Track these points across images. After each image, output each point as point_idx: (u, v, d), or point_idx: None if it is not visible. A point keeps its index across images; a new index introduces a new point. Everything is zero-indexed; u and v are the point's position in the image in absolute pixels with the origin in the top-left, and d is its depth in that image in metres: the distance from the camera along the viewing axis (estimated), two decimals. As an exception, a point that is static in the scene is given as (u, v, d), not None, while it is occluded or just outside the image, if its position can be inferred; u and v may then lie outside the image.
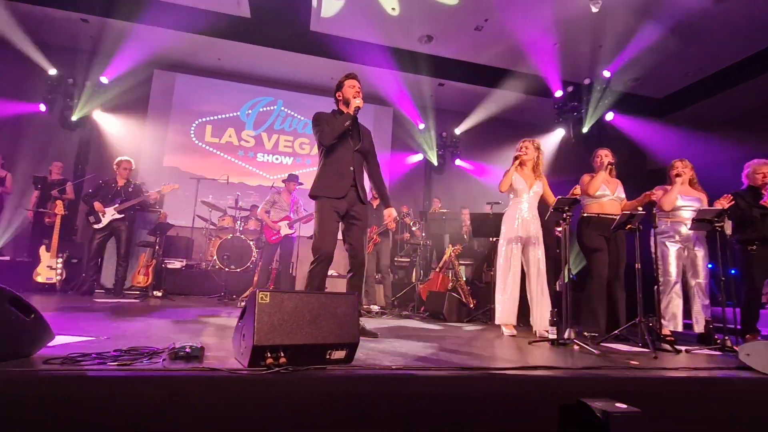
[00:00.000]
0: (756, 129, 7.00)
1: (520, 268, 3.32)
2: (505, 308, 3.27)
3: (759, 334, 3.39)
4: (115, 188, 4.80)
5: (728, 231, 2.98)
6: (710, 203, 3.42)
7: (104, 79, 6.76)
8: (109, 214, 4.65)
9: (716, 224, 2.98)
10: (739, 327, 3.41)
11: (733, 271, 3.71)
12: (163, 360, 1.50)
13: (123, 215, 4.71)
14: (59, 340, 1.78)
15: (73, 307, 3.33)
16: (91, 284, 4.66)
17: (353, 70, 2.92)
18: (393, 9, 5.76)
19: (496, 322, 3.34)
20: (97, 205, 4.61)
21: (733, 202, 3.27)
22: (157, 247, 5.06)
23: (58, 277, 4.60)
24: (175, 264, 5.73)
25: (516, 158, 3.38)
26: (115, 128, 7.10)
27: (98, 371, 1.31)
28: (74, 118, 6.73)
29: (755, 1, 5.09)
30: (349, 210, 2.71)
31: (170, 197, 6.30)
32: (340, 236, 2.79)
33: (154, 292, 4.88)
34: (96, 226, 4.63)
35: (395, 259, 6.24)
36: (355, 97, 2.72)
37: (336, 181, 2.67)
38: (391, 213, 2.96)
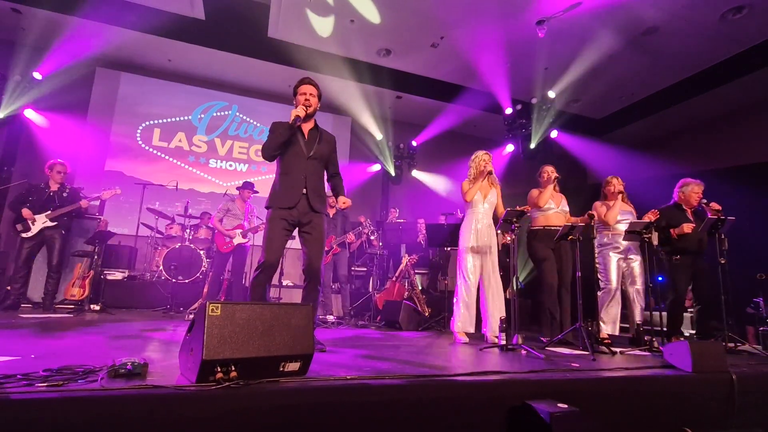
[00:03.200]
0: (676, 150, 7.82)
1: (477, 277, 3.44)
2: (463, 316, 3.38)
3: (682, 335, 3.74)
4: (47, 193, 4.39)
5: (655, 242, 3.28)
6: (638, 216, 3.75)
7: (38, 75, 6.23)
8: (40, 222, 4.25)
9: (645, 235, 3.28)
10: (665, 329, 3.74)
11: (660, 278, 4.08)
12: (101, 379, 1.40)
13: (56, 223, 4.32)
14: (-23, 361, 1.62)
15: (-6, 324, 3.00)
16: (17, 298, 4.22)
17: (311, 78, 2.83)
18: (352, 21, 5.84)
19: (454, 329, 3.42)
20: (25, 212, 4.20)
21: (658, 217, 3.62)
22: (95, 257, 4.69)
23: (-23, 291, 4.14)
24: (116, 275, 5.34)
25: (490, 172, 3.52)
26: (50, 128, 6.55)
27: (24, 394, 1.20)
28: (0, 115, 6.13)
29: (677, 37, 5.72)
30: (302, 219, 2.62)
31: (112, 203, 5.90)
32: (294, 246, 2.73)
33: (91, 306, 4.51)
34: (24, 235, 4.21)
35: (352, 268, 6.24)
36: (300, 105, 2.61)
37: (286, 190, 2.60)
38: (344, 201, 2.77)
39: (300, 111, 2.58)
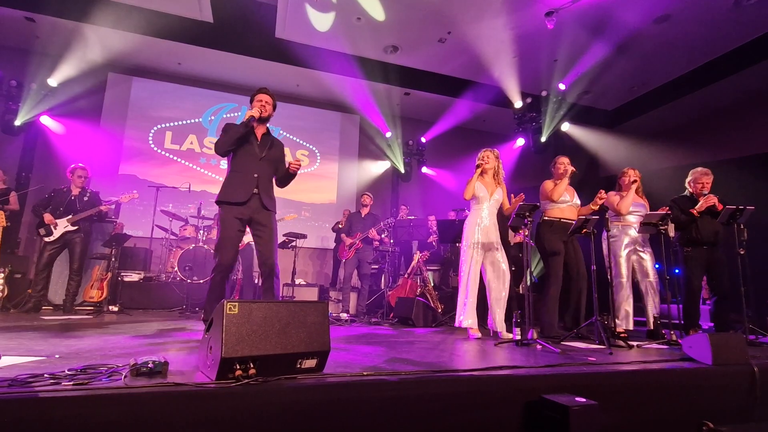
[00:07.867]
0: (691, 140, 7.64)
1: (478, 272, 3.43)
2: (469, 311, 3.37)
3: (700, 328, 3.68)
4: (68, 198, 4.49)
5: (671, 233, 3.22)
6: (652, 209, 3.68)
7: (52, 82, 6.37)
8: (62, 226, 4.34)
9: (661, 227, 3.22)
10: (682, 322, 3.68)
11: (677, 271, 4.01)
12: (124, 377, 1.44)
13: (77, 227, 4.41)
14: (5, 361, 1.67)
15: (18, 326, 3.08)
16: (38, 300, 4.33)
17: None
18: (358, 19, 5.83)
19: (462, 325, 3.40)
20: (47, 216, 4.29)
21: (669, 211, 3.54)
22: (112, 259, 4.79)
23: (0, 294, 4.25)
24: (133, 276, 5.44)
25: (478, 167, 3.50)
26: (65, 134, 6.69)
27: (52, 392, 1.23)
28: (18, 122, 6.28)
29: (690, 24, 5.59)
30: (253, 217, 2.72)
31: (127, 206, 6.01)
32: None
33: (110, 307, 4.61)
34: (47, 239, 4.32)
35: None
36: (256, 107, 2.78)
37: (238, 187, 2.71)
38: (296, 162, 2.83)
39: (255, 111, 2.75)
